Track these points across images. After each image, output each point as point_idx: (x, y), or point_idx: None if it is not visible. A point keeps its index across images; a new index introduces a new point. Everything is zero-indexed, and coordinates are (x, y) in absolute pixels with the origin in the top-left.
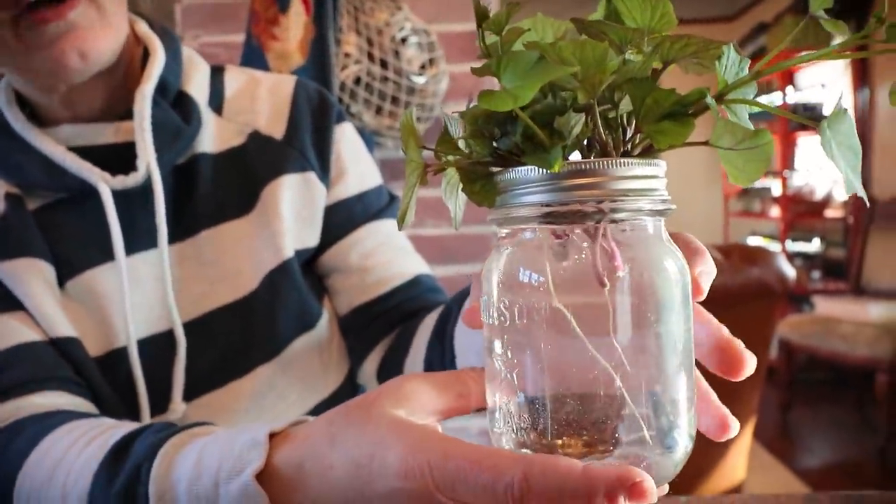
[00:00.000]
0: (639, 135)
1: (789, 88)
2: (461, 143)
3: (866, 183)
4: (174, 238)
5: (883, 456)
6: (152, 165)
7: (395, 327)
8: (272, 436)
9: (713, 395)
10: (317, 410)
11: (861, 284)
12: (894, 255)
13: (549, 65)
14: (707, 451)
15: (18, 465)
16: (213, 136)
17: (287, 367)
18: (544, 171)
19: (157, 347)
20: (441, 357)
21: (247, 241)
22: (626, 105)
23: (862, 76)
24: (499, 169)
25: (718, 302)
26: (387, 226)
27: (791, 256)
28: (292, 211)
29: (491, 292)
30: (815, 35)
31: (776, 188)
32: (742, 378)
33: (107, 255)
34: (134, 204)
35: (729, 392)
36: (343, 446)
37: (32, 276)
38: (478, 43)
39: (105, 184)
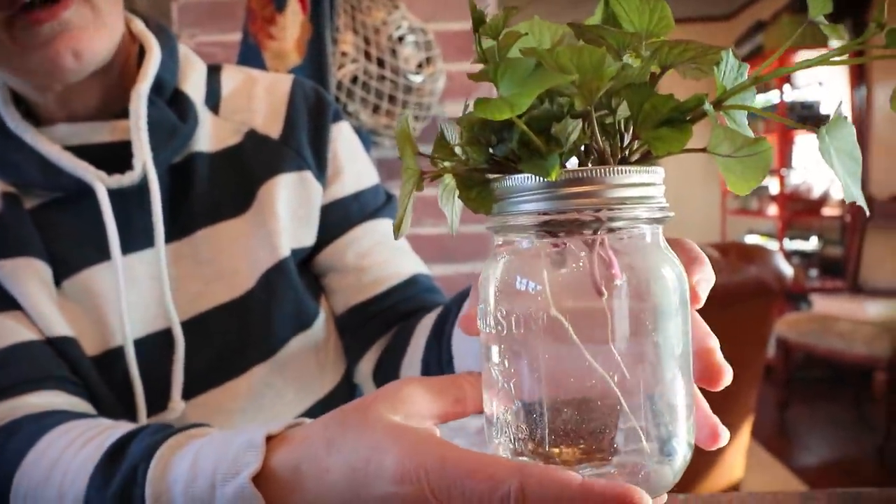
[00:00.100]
0: (636, 141)
1: (786, 86)
2: (457, 150)
3: (864, 182)
4: (170, 237)
5: (881, 454)
6: (148, 164)
7: (391, 327)
8: (269, 438)
9: (704, 404)
10: (314, 409)
11: (858, 283)
12: (892, 254)
13: (547, 72)
14: (705, 450)
15: (15, 464)
16: (209, 135)
17: (284, 366)
18: (541, 178)
19: (154, 347)
20: (438, 358)
21: (243, 240)
22: (623, 111)
23: (859, 74)
24: (495, 176)
25: (716, 300)
26: (383, 225)
27: (788, 255)
28: (288, 210)
29: (488, 300)
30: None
31: (774, 186)
32: (718, 389)
33: (103, 254)
34: (130, 203)
35: (726, 391)
36: (340, 449)
37: (29, 276)
38: (474, 48)
39: (101, 183)
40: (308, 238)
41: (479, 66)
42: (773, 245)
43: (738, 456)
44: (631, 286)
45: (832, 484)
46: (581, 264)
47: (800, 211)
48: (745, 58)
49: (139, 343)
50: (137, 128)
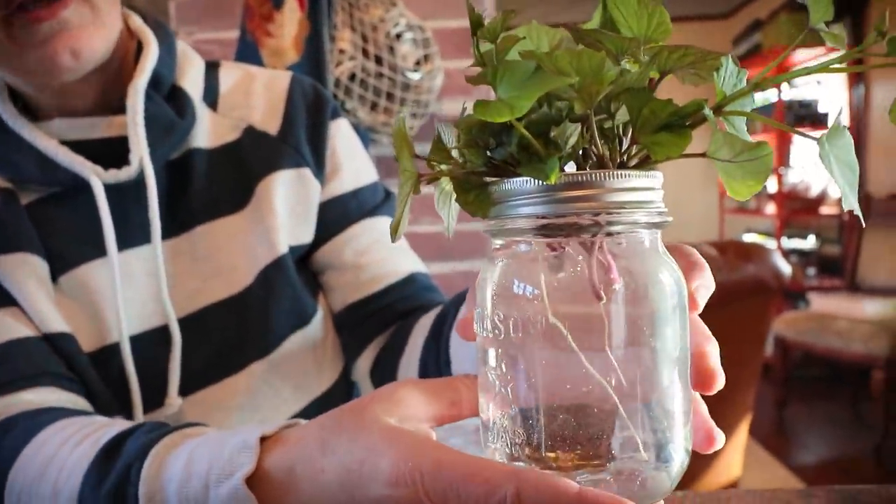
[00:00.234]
0: (635, 146)
1: (784, 85)
2: (455, 153)
3: (862, 181)
4: (168, 233)
5: (878, 452)
6: (145, 159)
7: (389, 325)
8: (264, 439)
9: (702, 407)
10: (312, 407)
11: (856, 281)
12: (889, 252)
13: (547, 75)
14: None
15: (10, 461)
16: (207, 132)
17: (281, 363)
18: (540, 182)
19: (151, 343)
20: (436, 359)
21: (241, 236)
22: (621, 116)
23: (857, 74)
24: (493, 179)
25: (714, 299)
26: (382, 223)
27: (786, 253)
28: (286, 207)
29: (485, 304)
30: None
31: (772, 185)
32: (711, 393)
33: (100, 250)
34: (127, 198)
35: (724, 389)
36: (334, 451)
37: (25, 272)
38: (472, 51)
39: (97, 178)
40: (306, 235)
41: (477, 70)
42: (770, 244)
43: (735, 454)
44: (629, 291)
45: (830, 482)
46: (578, 268)
47: (798, 210)
48: (742, 57)
49: (136, 339)
50: (134, 123)
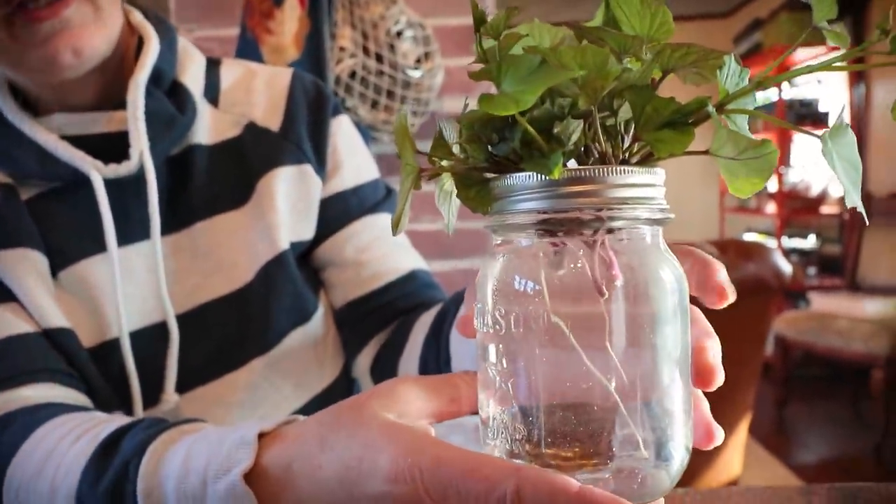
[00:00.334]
0: (637, 143)
1: (785, 84)
2: (456, 148)
3: (863, 180)
4: (168, 229)
5: (878, 452)
6: (145, 155)
7: (389, 322)
8: (262, 435)
9: (703, 404)
10: (312, 404)
11: (857, 280)
12: (890, 251)
13: (552, 69)
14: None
15: (9, 457)
16: (208, 128)
17: (282, 360)
18: (541, 177)
19: (150, 339)
20: (437, 357)
21: (242, 232)
22: (624, 113)
23: (858, 72)
24: (495, 175)
25: None
26: (383, 220)
27: (787, 253)
28: (287, 203)
29: (485, 300)
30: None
31: (772, 184)
32: (710, 390)
33: (100, 245)
34: (127, 193)
35: (724, 388)
36: (333, 447)
37: (25, 267)
38: (475, 47)
39: (97, 172)
40: (307, 232)
41: (480, 66)
42: (771, 243)
43: (735, 453)
44: (630, 287)
45: (830, 481)
46: (579, 264)
47: (798, 209)
48: (742, 56)
49: (135, 335)
50: (135, 118)
